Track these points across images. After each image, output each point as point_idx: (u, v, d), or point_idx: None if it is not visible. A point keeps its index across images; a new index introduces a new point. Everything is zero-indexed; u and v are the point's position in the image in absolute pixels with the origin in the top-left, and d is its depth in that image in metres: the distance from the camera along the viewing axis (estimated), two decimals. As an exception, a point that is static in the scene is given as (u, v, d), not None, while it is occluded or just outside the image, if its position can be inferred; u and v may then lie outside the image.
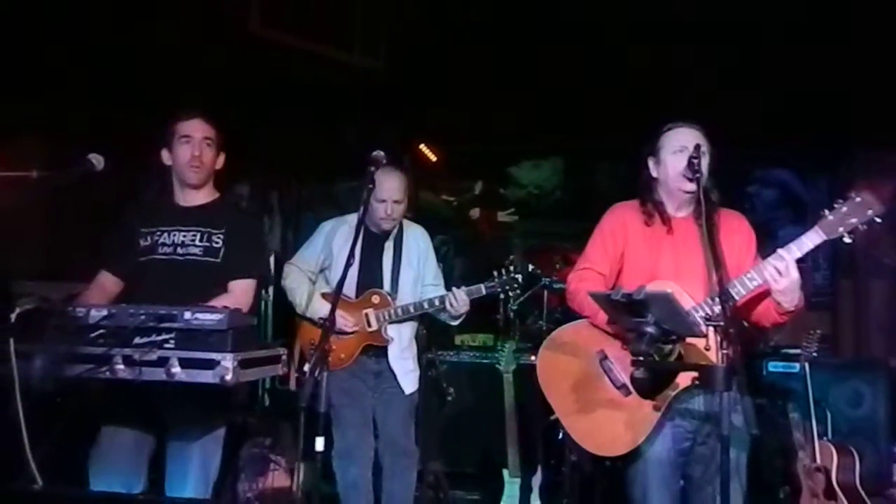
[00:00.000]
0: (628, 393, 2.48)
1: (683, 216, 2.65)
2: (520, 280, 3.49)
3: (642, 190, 2.70)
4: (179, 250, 2.78)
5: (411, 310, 3.46)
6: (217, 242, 2.79)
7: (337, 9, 4.68)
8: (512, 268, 3.48)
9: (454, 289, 3.43)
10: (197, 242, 2.79)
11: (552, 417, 2.72)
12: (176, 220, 2.83)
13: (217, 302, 2.66)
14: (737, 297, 2.44)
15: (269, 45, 4.44)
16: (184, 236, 2.79)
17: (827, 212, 2.39)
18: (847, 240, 2.38)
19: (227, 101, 4.66)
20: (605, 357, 2.57)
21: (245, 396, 4.57)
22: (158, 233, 2.81)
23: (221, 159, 2.91)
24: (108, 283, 2.83)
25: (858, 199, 2.36)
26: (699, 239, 2.53)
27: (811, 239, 2.39)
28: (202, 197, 2.89)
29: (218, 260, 2.78)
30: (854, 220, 2.35)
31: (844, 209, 2.36)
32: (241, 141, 5.27)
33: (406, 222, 3.64)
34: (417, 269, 3.58)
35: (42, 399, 2.11)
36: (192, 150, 2.80)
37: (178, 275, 2.74)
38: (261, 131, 5.30)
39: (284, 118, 5.20)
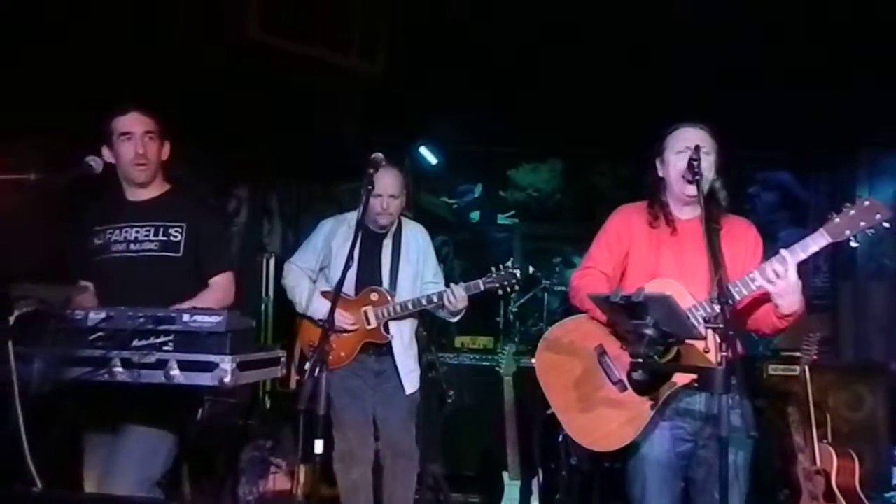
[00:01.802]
0: (624, 388, 2.47)
1: (689, 218, 2.63)
2: (518, 276, 3.46)
3: (650, 191, 2.70)
4: (133, 247, 2.70)
5: (410, 306, 3.45)
6: (176, 236, 2.72)
7: (335, 13, 4.68)
8: (509, 264, 3.47)
9: (452, 285, 3.43)
10: (152, 237, 2.71)
11: (548, 412, 2.71)
12: (127, 217, 2.75)
13: (201, 297, 2.66)
14: (738, 297, 2.42)
15: (268, 50, 4.44)
16: (137, 232, 2.72)
17: (834, 214, 2.35)
18: (853, 244, 2.35)
19: (227, 105, 4.67)
20: (604, 353, 2.55)
21: (246, 399, 4.57)
22: (110, 230, 2.74)
23: (167, 149, 2.81)
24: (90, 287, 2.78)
25: (867, 203, 2.33)
26: (704, 241, 2.52)
27: (816, 241, 2.35)
28: (152, 190, 2.81)
29: (178, 254, 2.71)
30: (862, 224, 2.31)
31: (852, 212, 2.32)
32: (241, 144, 5.32)
33: (405, 220, 3.65)
34: (416, 267, 3.58)
35: (41, 401, 2.10)
36: (136, 147, 2.70)
37: (135, 272, 2.67)
38: (260, 135, 5.31)
39: (283, 122, 5.21)
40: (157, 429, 2.53)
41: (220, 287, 2.76)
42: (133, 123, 2.71)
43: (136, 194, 2.80)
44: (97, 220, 2.79)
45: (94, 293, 2.75)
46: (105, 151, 2.73)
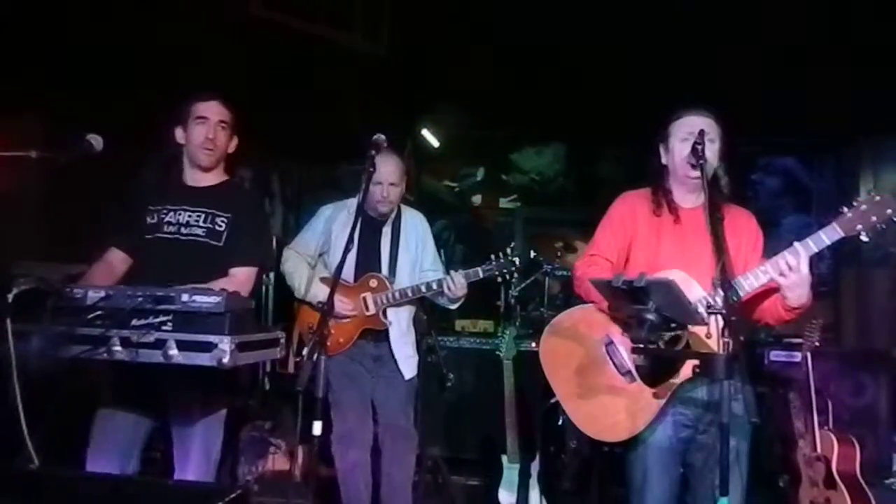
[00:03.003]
0: (633, 379, 2.47)
1: (692, 206, 2.62)
2: (517, 263, 3.47)
3: (653, 178, 2.68)
4: (183, 230, 2.77)
5: (409, 293, 3.45)
6: (220, 226, 2.79)
7: (339, -8, 4.66)
8: (510, 251, 3.47)
9: (451, 272, 3.43)
10: (201, 223, 2.78)
11: (552, 401, 2.70)
12: (182, 200, 2.82)
13: (217, 286, 2.64)
14: (749, 290, 2.41)
15: (271, 28, 4.41)
16: (189, 216, 2.79)
17: (845, 209, 2.36)
18: (864, 238, 2.35)
19: (228, 83, 4.62)
20: (611, 342, 2.56)
21: (246, 379, 4.58)
22: (165, 211, 2.80)
23: (234, 143, 2.92)
24: (115, 260, 2.83)
25: (878, 199, 2.34)
26: (707, 229, 2.50)
27: (828, 235, 2.36)
28: (211, 178, 2.89)
29: (220, 244, 2.77)
30: (873, 220, 2.32)
31: (864, 207, 2.34)
32: (243, 124, 5.28)
33: (404, 207, 3.63)
34: (415, 254, 3.58)
35: (39, 379, 2.10)
36: (207, 132, 2.81)
37: (181, 255, 2.74)
38: (262, 115, 5.27)
39: (286, 102, 5.18)
40: (213, 416, 2.66)
41: (236, 279, 2.76)
42: (210, 110, 2.83)
43: (195, 179, 2.88)
44: (153, 199, 2.85)
45: (112, 271, 2.79)
46: (178, 132, 2.86)
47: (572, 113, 5.66)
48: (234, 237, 2.79)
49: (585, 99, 5.31)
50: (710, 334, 2.38)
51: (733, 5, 4.30)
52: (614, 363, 2.54)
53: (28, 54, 3.67)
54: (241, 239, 2.80)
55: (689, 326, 2.39)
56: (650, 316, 2.21)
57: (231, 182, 2.97)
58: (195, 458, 2.64)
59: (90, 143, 2.53)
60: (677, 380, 2.43)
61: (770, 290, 2.47)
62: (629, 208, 2.69)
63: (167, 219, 2.79)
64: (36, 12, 3.65)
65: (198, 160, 2.84)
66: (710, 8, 4.31)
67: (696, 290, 2.43)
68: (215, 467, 2.72)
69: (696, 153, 2.43)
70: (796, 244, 2.36)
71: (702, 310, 2.36)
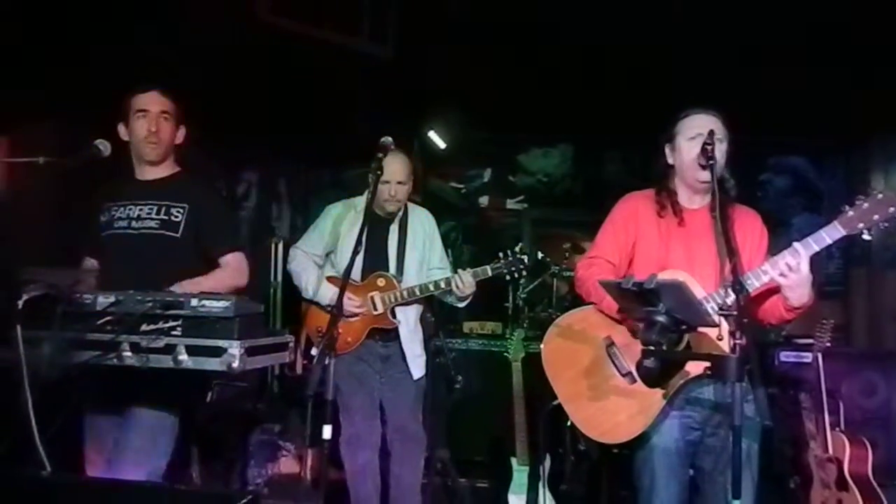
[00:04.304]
0: (633, 380, 2.45)
1: (697, 207, 2.61)
2: (525, 261, 3.46)
3: (658, 178, 2.66)
4: (134, 224, 2.72)
5: (417, 292, 3.45)
6: (177, 216, 2.73)
7: (345, -4, 4.66)
8: (518, 249, 3.46)
9: (459, 270, 3.43)
10: (153, 216, 2.72)
11: (554, 403, 2.69)
12: (133, 195, 2.77)
13: (211, 277, 2.67)
14: (750, 290, 2.40)
15: (278, 32, 4.41)
16: (140, 210, 2.74)
17: (847, 207, 2.35)
18: (866, 237, 2.35)
19: (235, 87, 4.64)
20: (612, 343, 2.54)
21: (255, 383, 4.59)
22: (115, 207, 2.76)
23: (181, 134, 2.85)
24: (96, 267, 2.81)
25: (880, 196, 2.32)
26: (712, 230, 2.49)
27: (830, 234, 2.35)
28: (161, 171, 2.83)
29: (177, 234, 2.72)
30: (875, 217, 2.31)
31: (865, 205, 2.32)
32: (250, 128, 5.30)
33: (411, 206, 3.63)
34: (422, 252, 3.58)
35: (50, 385, 2.10)
36: (149, 125, 2.73)
37: (134, 249, 2.69)
38: (269, 117, 5.29)
39: (292, 104, 5.19)
40: (158, 415, 2.53)
41: (231, 267, 2.75)
42: (150, 102, 2.75)
43: (144, 173, 2.82)
44: (107, 197, 2.81)
45: (96, 272, 2.77)
46: (121, 128, 2.80)
47: (579, 114, 5.64)
48: (201, 228, 2.73)
49: (592, 99, 5.30)
50: (722, 336, 2.36)
51: (739, 4, 4.28)
52: (615, 364, 2.53)
53: (35, 61, 3.68)
54: (215, 227, 2.77)
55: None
56: (661, 318, 2.20)
57: (183, 173, 2.89)
58: (131, 460, 2.47)
59: (98, 149, 2.54)
60: (683, 378, 2.42)
61: (772, 290, 2.46)
62: (632, 210, 2.67)
63: (118, 214, 2.74)
64: (43, 20, 3.66)
65: (143, 154, 2.77)
66: (717, 6, 4.29)
67: (698, 291, 2.42)
68: (159, 475, 2.52)
69: (707, 153, 2.42)
70: (796, 244, 2.35)
71: (712, 311, 2.35)
